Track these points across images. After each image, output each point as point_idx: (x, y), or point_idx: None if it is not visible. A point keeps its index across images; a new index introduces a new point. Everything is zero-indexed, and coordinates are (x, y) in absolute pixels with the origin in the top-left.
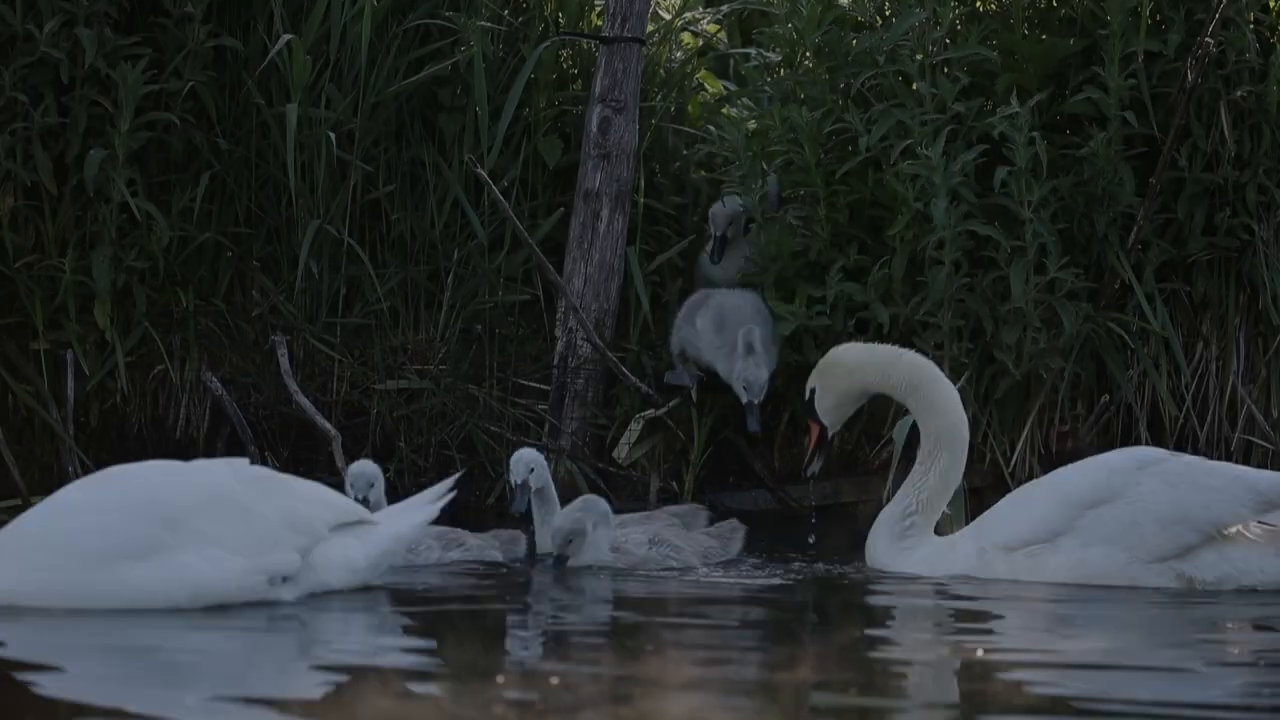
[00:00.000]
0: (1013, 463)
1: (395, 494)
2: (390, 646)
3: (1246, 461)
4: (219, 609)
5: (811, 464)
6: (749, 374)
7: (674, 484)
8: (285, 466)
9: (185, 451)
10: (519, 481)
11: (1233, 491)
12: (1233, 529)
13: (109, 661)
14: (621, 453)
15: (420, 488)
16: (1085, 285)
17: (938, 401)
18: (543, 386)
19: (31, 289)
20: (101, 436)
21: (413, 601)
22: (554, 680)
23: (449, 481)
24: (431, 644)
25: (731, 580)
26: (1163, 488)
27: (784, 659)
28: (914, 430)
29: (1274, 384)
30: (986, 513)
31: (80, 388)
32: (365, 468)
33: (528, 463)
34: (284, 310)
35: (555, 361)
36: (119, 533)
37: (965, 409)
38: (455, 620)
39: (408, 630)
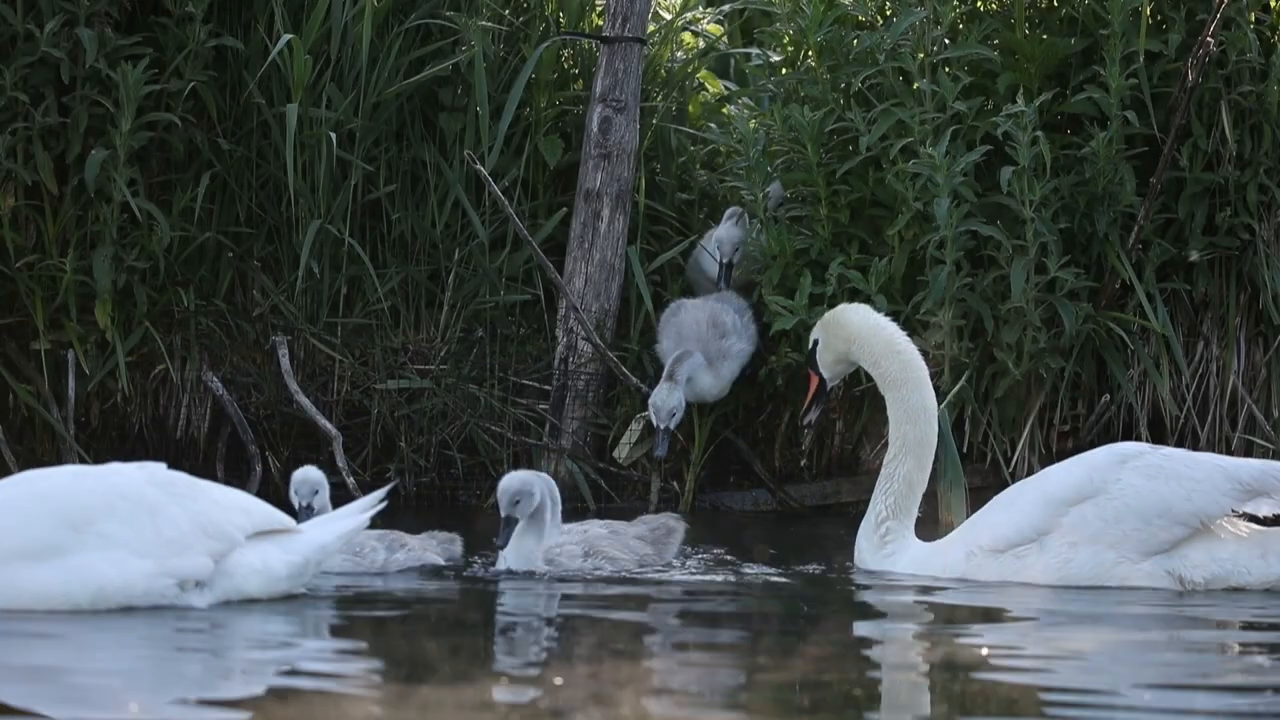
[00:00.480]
0: (1013, 462)
1: (396, 495)
2: (309, 653)
3: None
4: (128, 612)
5: (809, 412)
6: (658, 399)
7: (674, 484)
8: (286, 466)
9: (186, 451)
10: (506, 514)
11: (1214, 481)
12: (1219, 523)
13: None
14: (622, 453)
15: (421, 487)
16: (1086, 284)
17: (914, 407)
18: (544, 386)
19: (32, 289)
20: (102, 436)
21: (342, 606)
22: (494, 687)
23: (381, 492)
24: (354, 649)
25: (679, 581)
26: (1143, 482)
27: (733, 665)
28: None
29: (1274, 383)
30: (974, 515)
31: (81, 387)
32: (309, 474)
33: (514, 494)
34: (285, 310)
35: (556, 361)
36: (19, 533)
37: (965, 408)
38: (385, 625)
39: (333, 634)
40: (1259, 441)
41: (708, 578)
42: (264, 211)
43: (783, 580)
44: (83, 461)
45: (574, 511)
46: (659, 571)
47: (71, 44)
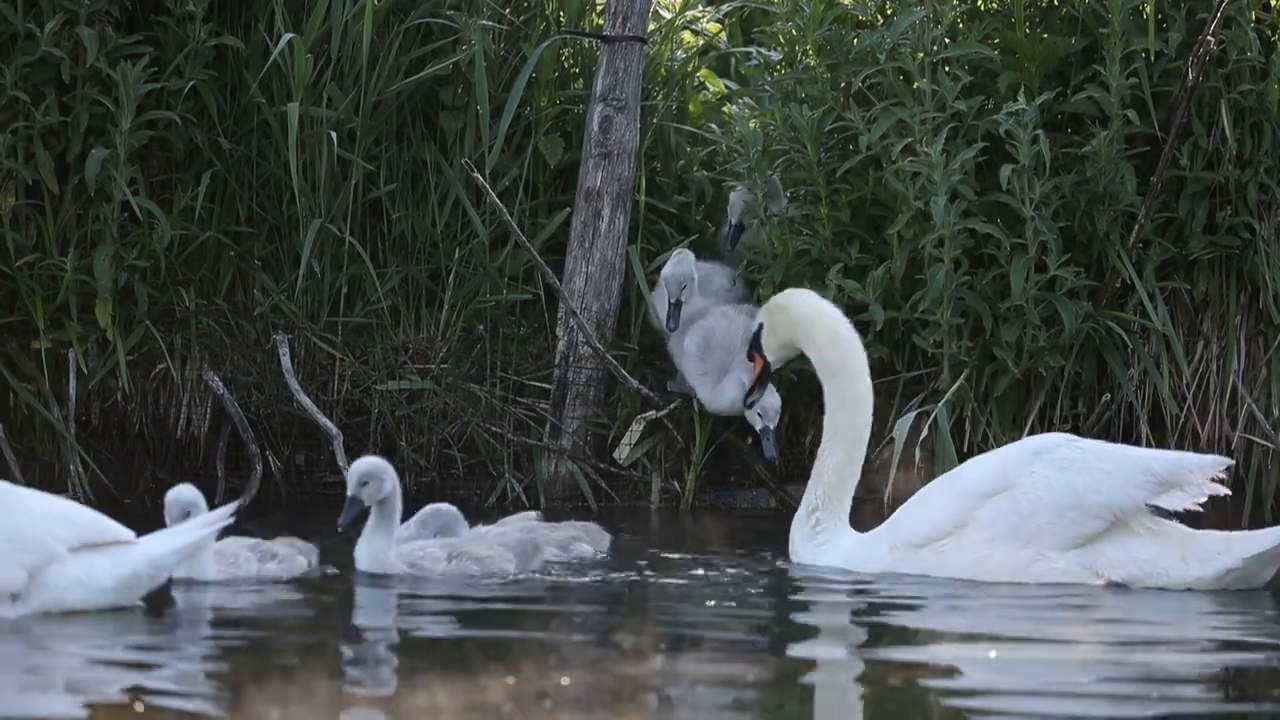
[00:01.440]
0: None
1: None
2: (102, 666)
3: (1247, 461)
4: None
5: (752, 394)
6: (765, 400)
7: (675, 484)
8: (287, 465)
9: (186, 450)
10: (352, 493)
11: (1125, 473)
12: (1144, 523)
13: None
14: (622, 453)
15: (421, 488)
16: (1086, 283)
17: (849, 396)
18: (544, 385)
19: (33, 288)
20: (102, 435)
21: (166, 618)
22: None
23: (230, 507)
24: (163, 661)
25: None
26: (1056, 474)
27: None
28: (912, 429)
29: (1274, 383)
30: (900, 508)
31: (81, 387)
32: (181, 494)
33: (362, 475)
34: (285, 309)
35: (557, 360)
36: None
37: (965, 407)
38: (203, 636)
39: (144, 648)
40: (1259, 441)
41: (580, 579)
42: (265, 211)
43: (673, 580)
44: (83, 461)
45: (574, 512)
46: (530, 574)
47: (72, 43)
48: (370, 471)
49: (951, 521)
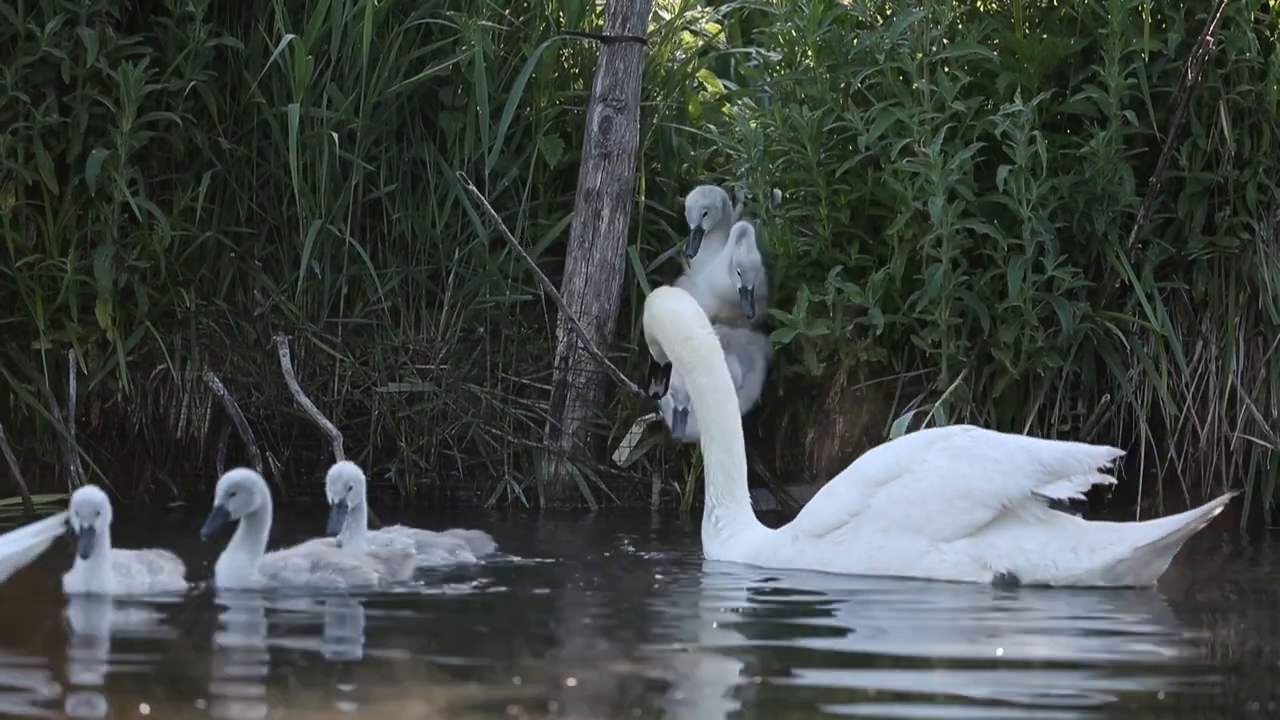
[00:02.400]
0: None
1: (397, 494)
2: None
3: (1246, 462)
4: None
5: (650, 385)
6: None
7: (675, 485)
8: (286, 466)
9: (186, 451)
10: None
11: (1015, 462)
12: (1035, 514)
13: None
14: (622, 455)
15: (421, 488)
16: (1084, 284)
17: (704, 389)
18: (544, 386)
19: (33, 288)
20: (103, 436)
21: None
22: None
23: (57, 518)
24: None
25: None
26: (947, 462)
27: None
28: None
29: (1274, 383)
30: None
31: (81, 387)
32: (90, 496)
33: (231, 485)
34: (285, 310)
35: (556, 362)
36: None
37: (964, 407)
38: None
39: None
40: (1258, 441)
41: (455, 588)
42: (265, 211)
43: (548, 588)
44: (83, 462)
45: (574, 513)
46: (398, 584)
47: (72, 43)
48: (240, 483)
49: (848, 510)
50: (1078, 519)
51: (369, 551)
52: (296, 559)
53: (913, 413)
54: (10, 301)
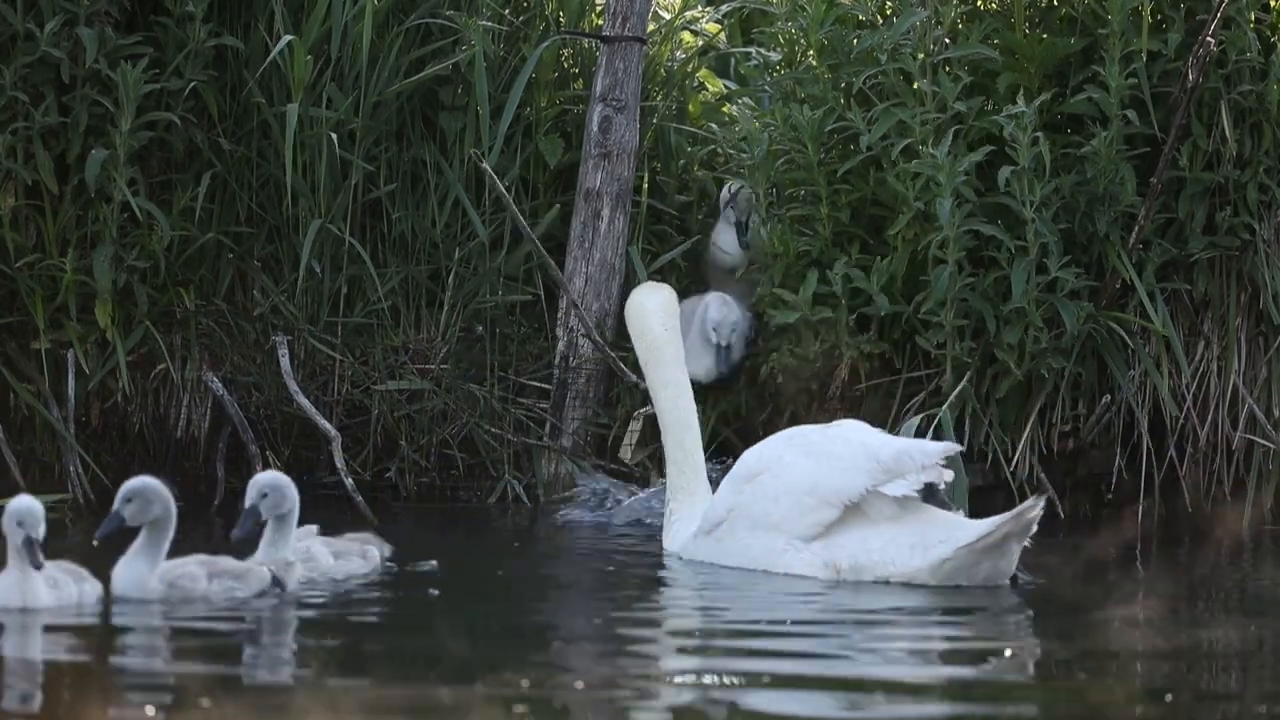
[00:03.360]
0: (1014, 462)
1: (397, 494)
2: None
3: (1247, 462)
4: None
5: None
6: (715, 315)
7: None
8: (286, 466)
9: (186, 451)
10: (116, 508)
11: (855, 459)
12: (872, 504)
13: None
14: (626, 453)
15: (421, 488)
16: (1086, 284)
17: (655, 384)
18: (544, 386)
19: (32, 288)
20: (102, 436)
21: None
22: None
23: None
24: None
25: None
26: (800, 459)
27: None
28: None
29: (1275, 383)
30: None
31: (81, 387)
32: (33, 507)
33: (128, 492)
34: (285, 310)
35: (556, 360)
36: None
37: (965, 407)
38: None
39: None
40: (1260, 441)
41: (341, 592)
42: (264, 211)
43: (433, 587)
44: (83, 462)
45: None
46: (288, 592)
47: (72, 43)
48: (138, 489)
49: (726, 507)
50: (951, 514)
51: (259, 560)
52: (193, 566)
53: (918, 416)
54: (10, 301)
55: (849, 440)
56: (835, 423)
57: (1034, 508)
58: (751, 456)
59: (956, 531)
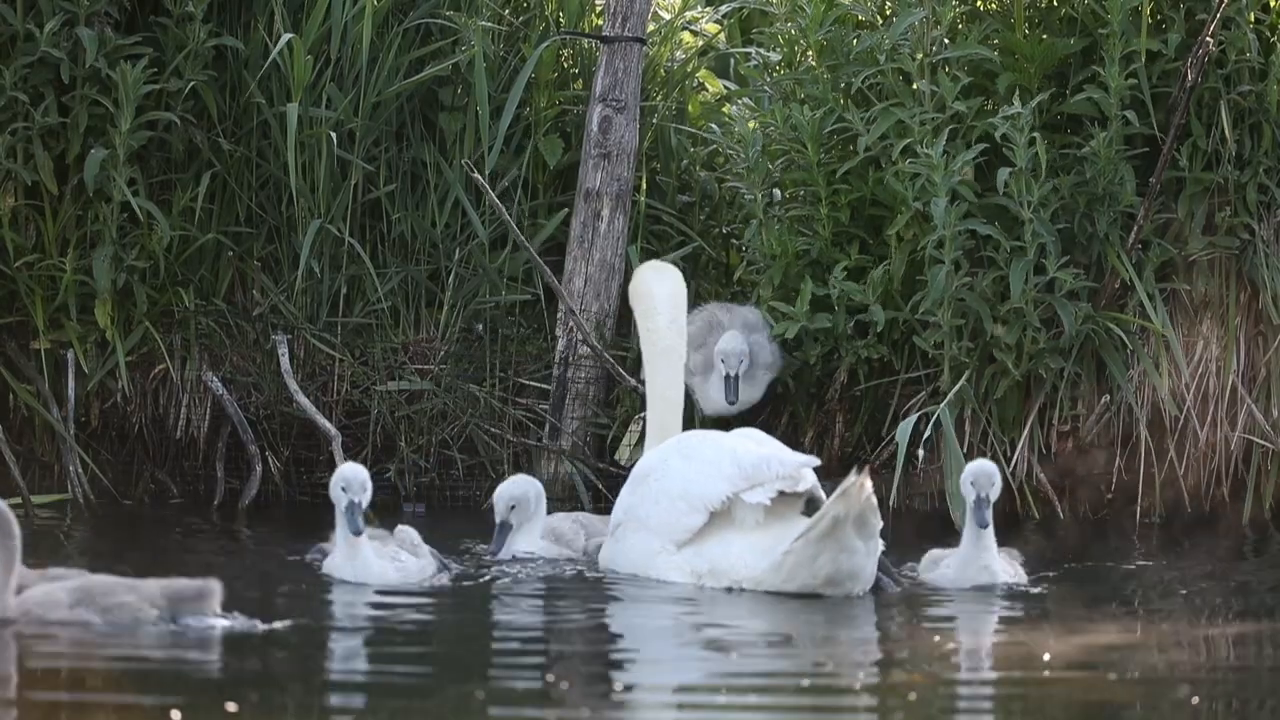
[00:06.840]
0: (1013, 462)
1: (396, 495)
2: None
3: (1247, 461)
4: None
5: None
6: (725, 345)
7: None
8: (286, 466)
9: (186, 451)
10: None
11: (718, 464)
12: (737, 510)
13: None
14: (624, 455)
15: (421, 488)
16: (1085, 285)
17: (650, 374)
18: (544, 386)
19: (32, 288)
20: (102, 436)
21: None
22: None
23: None
24: None
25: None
26: (679, 463)
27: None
28: (916, 431)
29: (1274, 383)
30: None
31: (81, 387)
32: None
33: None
34: (285, 310)
35: (556, 361)
36: None
37: (965, 408)
38: None
39: None
40: (1259, 441)
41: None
42: (264, 211)
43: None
44: (83, 462)
45: (573, 511)
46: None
47: (71, 44)
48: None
49: (622, 507)
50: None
51: (134, 586)
52: (58, 592)
53: (916, 415)
54: (10, 301)
55: (720, 446)
56: (736, 430)
57: (856, 484)
58: (644, 460)
59: (793, 532)
